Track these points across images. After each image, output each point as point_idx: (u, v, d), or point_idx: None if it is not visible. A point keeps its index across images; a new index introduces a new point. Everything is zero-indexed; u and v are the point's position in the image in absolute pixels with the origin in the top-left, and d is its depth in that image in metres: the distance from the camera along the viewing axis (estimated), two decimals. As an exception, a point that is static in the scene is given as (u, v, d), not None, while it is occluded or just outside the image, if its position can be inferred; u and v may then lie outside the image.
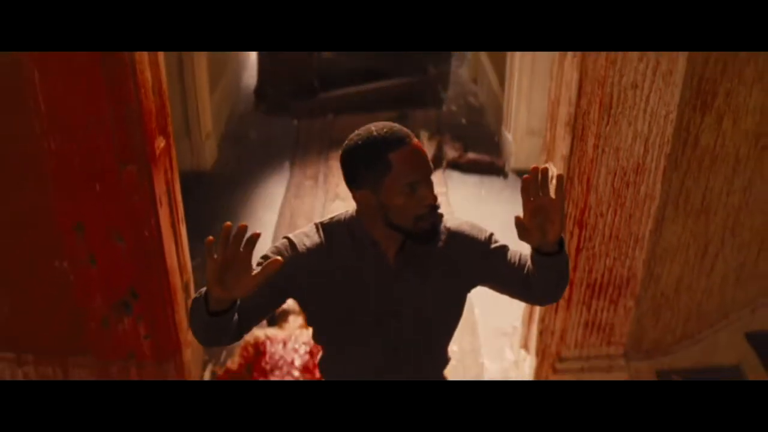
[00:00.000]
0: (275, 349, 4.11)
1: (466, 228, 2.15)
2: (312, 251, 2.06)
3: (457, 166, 6.40)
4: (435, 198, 1.98)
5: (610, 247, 3.44)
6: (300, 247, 2.06)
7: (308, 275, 2.06)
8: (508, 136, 6.36)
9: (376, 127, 1.97)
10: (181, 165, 3.74)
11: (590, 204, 3.34)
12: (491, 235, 2.16)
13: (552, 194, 1.91)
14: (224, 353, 4.37)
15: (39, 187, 3.21)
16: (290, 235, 2.10)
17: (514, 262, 2.11)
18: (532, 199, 1.91)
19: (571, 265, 3.48)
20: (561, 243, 2.00)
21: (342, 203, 5.86)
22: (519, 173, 6.21)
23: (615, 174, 3.26)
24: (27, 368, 3.71)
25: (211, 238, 1.72)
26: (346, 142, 2.01)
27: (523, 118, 6.07)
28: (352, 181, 2.01)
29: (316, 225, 2.12)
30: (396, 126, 1.99)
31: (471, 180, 6.28)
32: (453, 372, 4.31)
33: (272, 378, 3.96)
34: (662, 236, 3.47)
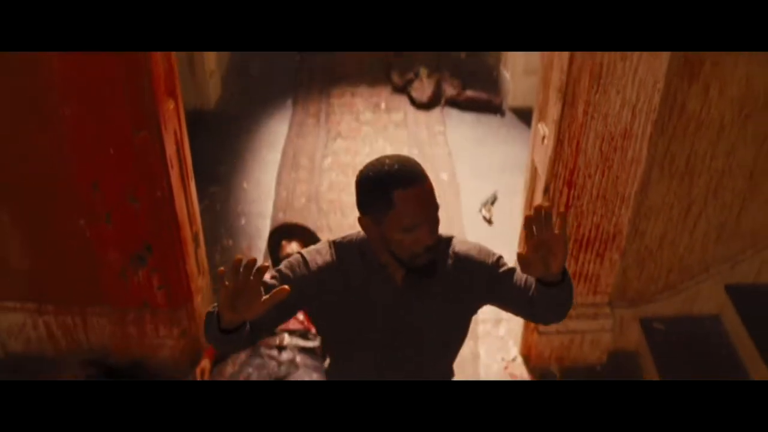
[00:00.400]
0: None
1: (474, 253, 2.18)
2: (323, 269, 2.13)
3: (455, 103, 6.52)
4: (432, 239, 2.02)
5: (598, 205, 3.61)
6: (312, 264, 2.13)
7: (318, 292, 2.14)
8: (506, 74, 6.47)
9: (390, 160, 1.99)
10: (185, 104, 3.86)
11: (579, 166, 3.49)
12: (499, 258, 2.19)
13: (555, 230, 1.90)
14: (232, 295, 4.60)
15: (57, 152, 3.37)
16: (303, 252, 2.18)
17: (520, 285, 2.13)
18: (535, 234, 1.90)
19: (559, 221, 3.70)
20: (564, 272, 2.00)
21: (343, 141, 6.02)
22: (516, 111, 6.35)
23: (603, 139, 3.41)
24: (48, 317, 3.94)
25: (222, 269, 1.83)
26: (362, 168, 2.05)
27: (521, 57, 6.15)
28: (359, 207, 2.06)
29: (329, 243, 2.19)
30: (410, 163, 2.01)
31: (468, 118, 6.41)
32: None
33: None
34: (647, 196, 3.64)
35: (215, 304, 1.97)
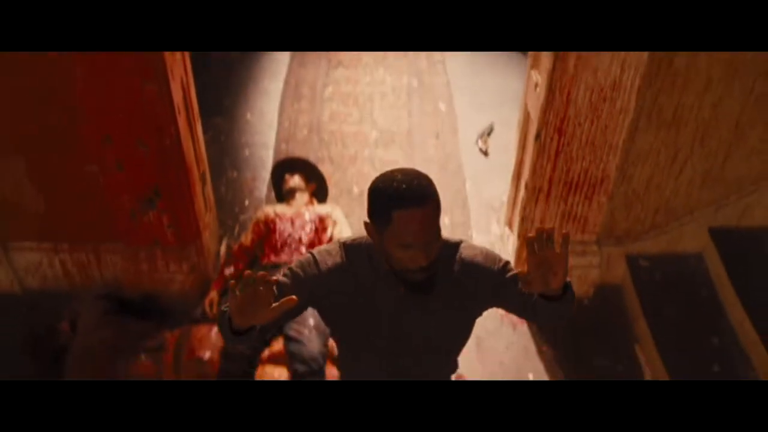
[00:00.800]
0: (284, 227, 4.41)
1: (479, 259, 2.19)
2: (333, 271, 2.18)
3: (456, 32, 6.56)
4: (426, 261, 2.04)
5: (586, 152, 3.76)
6: (322, 265, 2.17)
7: (327, 293, 2.19)
8: (506, 2, 6.49)
9: (401, 176, 1.99)
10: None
11: (569, 115, 3.64)
12: (505, 264, 2.20)
13: (557, 249, 1.90)
14: (237, 228, 4.79)
15: (69, 105, 3.51)
16: (314, 252, 2.21)
17: (524, 291, 2.08)
18: (537, 251, 1.90)
19: (550, 166, 3.86)
20: (565, 287, 2.02)
21: (345, 70, 6.10)
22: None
23: (593, 90, 3.54)
24: (63, 255, 4.14)
25: (233, 282, 1.91)
26: (377, 176, 2.06)
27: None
28: (367, 212, 2.09)
29: (340, 244, 2.22)
30: (419, 183, 1.99)
31: (467, 48, 6.46)
32: (444, 245, 4.74)
33: (282, 254, 4.33)
34: (635, 144, 3.78)
35: (228, 304, 2.03)
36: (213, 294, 4.28)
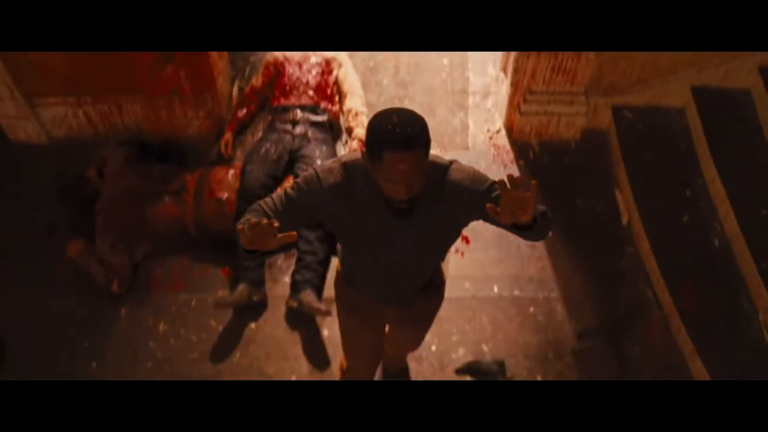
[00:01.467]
0: (293, 70, 4.63)
1: (467, 182, 2.35)
2: (333, 187, 2.36)
3: None
4: (407, 195, 2.25)
5: (577, 12, 3.96)
6: (324, 182, 2.36)
7: (327, 208, 2.40)
8: None
9: (397, 119, 2.15)
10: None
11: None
12: (491, 184, 2.35)
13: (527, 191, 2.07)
14: (248, 69, 5.02)
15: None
16: (317, 169, 2.40)
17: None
18: (509, 192, 2.07)
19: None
20: (535, 218, 2.20)
21: None
22: None
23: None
24: (87, 108, 4.42)
25: (240, 226, 2.18)
26: (378, 111, 2.22)
27: None
28: (364, 140, 2.25)
29: (342, 163, 2.38)
30: (412, 129, 2.15)
31: None
32: (442, 86, 4.98)
33: (291, 97, 4.57)
34: (624, 6, 3.97)
35: (244, 220, 2.31)
36: (227, 135, 4.61)
